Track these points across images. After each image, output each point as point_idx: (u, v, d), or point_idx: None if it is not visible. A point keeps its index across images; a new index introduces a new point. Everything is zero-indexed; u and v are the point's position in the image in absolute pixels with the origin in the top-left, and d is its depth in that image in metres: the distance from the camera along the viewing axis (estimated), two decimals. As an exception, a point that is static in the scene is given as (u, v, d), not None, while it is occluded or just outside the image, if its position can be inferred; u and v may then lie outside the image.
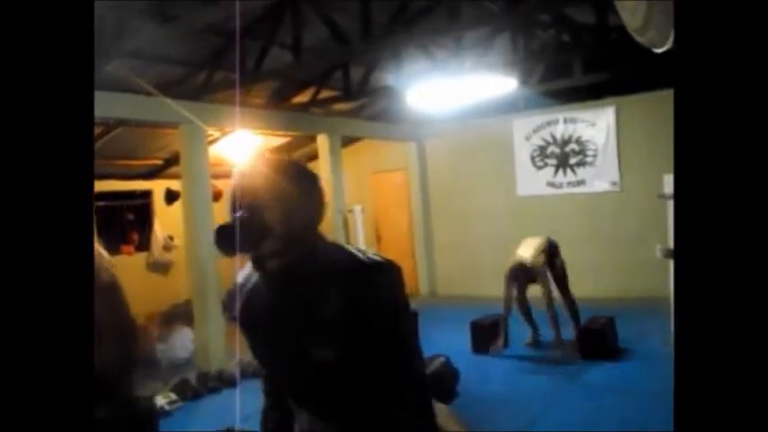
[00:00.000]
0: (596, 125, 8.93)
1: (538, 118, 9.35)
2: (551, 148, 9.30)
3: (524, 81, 7.77)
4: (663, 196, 5.13)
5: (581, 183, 9.10)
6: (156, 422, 4.50)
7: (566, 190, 9.21)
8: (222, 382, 5.80)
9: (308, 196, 1.50)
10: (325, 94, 7.75)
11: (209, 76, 6.28)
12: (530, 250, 6.20)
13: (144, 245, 9.46)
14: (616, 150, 8.80)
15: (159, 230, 9.44)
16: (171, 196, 9.50)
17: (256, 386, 1.84)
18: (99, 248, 2.03)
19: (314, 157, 8.79)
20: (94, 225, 7.26)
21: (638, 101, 8.47)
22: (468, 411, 4.62)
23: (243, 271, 1.65)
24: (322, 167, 8.38)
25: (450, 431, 3.54)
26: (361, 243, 7.96)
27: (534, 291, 6.25)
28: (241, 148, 8.63)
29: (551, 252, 6.32)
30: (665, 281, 5.37)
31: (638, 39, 3.05)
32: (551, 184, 9.33)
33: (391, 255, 1.71)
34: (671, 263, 4.49)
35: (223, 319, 6.68)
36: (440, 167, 10.27)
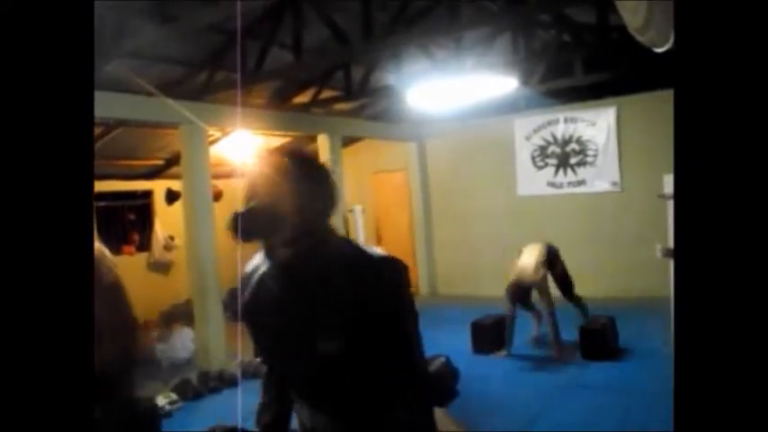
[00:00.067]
0: (597, 125, 8.93)
1: (538, 118, 9.35)
2: (552, 148, 9.29)
3: (525, 81, 7.77)
4: (663, 196, 5.12)
5: (581, 183, 9.09)
6: (158, 422, 4.51)
7: (566, 190, 9.20)
8: (223, 381, 5.80)
9: (320, 188, 1.53)
10: (325, 94, 7.75)
11: (209, 76, 6.28)
12: (529, 265, 6.04)
13: (145, 245, 9.46)
14: (617, 150, 8.80)
15: (160, 230, 9.45)
16: (172, 196, 9.50)
17: (257, 386, 1.84)
18: (102, 249, 2.04)
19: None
20: (95, 225, 7.27)
21: (639, 101, 8.47)
22: (468, 411, 4.62)
23: (251, 261, 1.67)
24: (322, 167, 8.36)
25: (448, 431, 3.54)
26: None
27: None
28: (242, 148, 8.63)
29: (551, 259, 6.27)
30: (666, 281, 5.36)
31: (639, 38, 3.05)
32: (552, 184, 9.33)
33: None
34: (671, 263, 4.48)
35: (223, 319, 6.69)
36: (440, 167, 10.27)
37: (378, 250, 1.53)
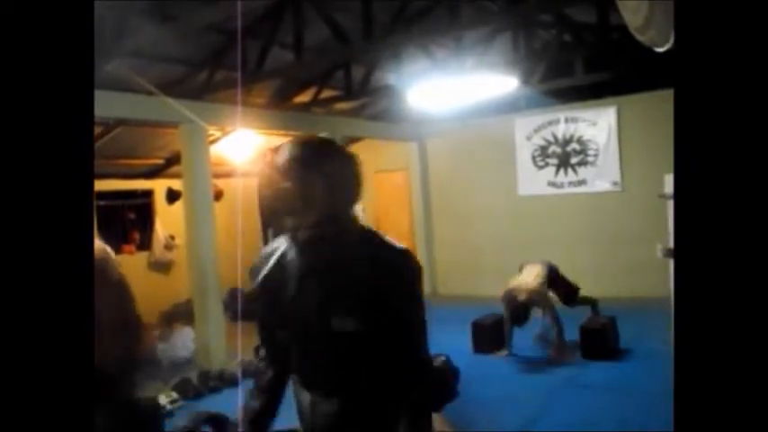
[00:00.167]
0: (597, 125, 8.93)
1: (539, 117, 9.35)
2: (552, 148, 9.29)
3: (525, 80, 7.77)
4: (664, 196, 5.11)
5: (582, 182, 9.09)
6: (161, 421, 4.51)
7: (567, 190, 9.20)
8: (223, 381, 5.80)
9: (347, 177, 1.60)
10: (326, 93, 7.75)
11: (210, 75, 6.28)
12: (529, 285, 5.98)
13: (145, 244, 9.46)
14: (617, 150, 8.80)
15: (160, 230, 9.44)
16: (172, 195, 9.50)
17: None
18: (106, 248, 2.04)
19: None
20: (95, 224, 7.28)
21: (640, 100, 8.47)
22: (468, 411, 4.62)
23: (270, 244, 1.75)
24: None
25: None
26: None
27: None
28: (242, 147, 8.63)
29: (552, 279, 6.22)
30: (666, 281, 5.35)
31: (640, 38, 3.05)
32: (552, 184, 9.33)
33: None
34: (672, 263, 4.48)
35: (224, 319, 6.70)
36: (441, 167, 10.27)
37: (398, 243, 1.60)
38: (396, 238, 1.63)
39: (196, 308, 6.67)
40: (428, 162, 10.41)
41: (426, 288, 10.15)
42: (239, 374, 5.74)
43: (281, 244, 1.69)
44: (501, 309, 6.18)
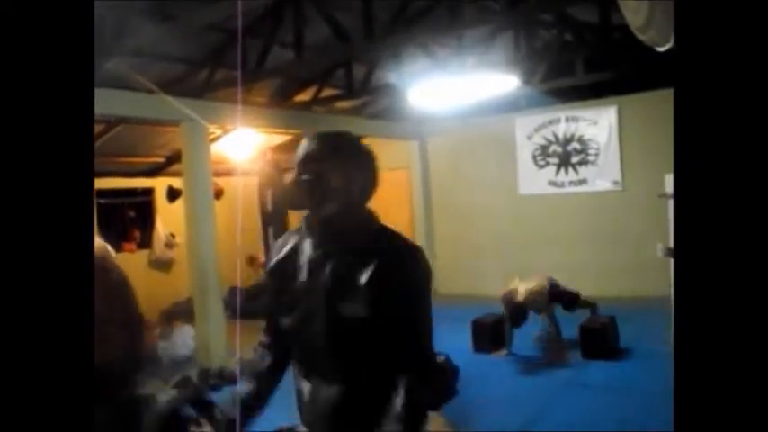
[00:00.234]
0: (598, 124, 8.92)
1: (540, 117, 9.35)
2: (553, 147, 9.29)
3: (526, 80, 7.77)
4: (664, 195, 5.11)
5: (583, 182, 9.09)
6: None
7: (567, 189, 9.20)
8: (223, 379, 5.81)
9: (364, 170, 1.66)
10: (327, 92, 7.75)
11: (210, 73, 6.28)
12: (529, 294, 5.97)
13: (146, 242, 9.47)
14: (618, 149, 8.79)
15: (161, 228, 9.45)
16: (173, 194, 9.51)
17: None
18: (106, 246, 2.04)
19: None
20: (95, 223, 7.28)
21: (641, 100, 8.46)
22: (467, 410, 4.63)
23: (286, 235, 1.81)
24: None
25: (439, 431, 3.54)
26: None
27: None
28: (243, 146, 8.63)
29: (554, 294, 6.19)
30: (666, 280, 5.36)
31: (641, 37, 3.05)
32: (553, 183, 9.32)
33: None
34: (671, 262, 4.48)
35: (224, 317, 6.70)
36: (441, 166, 10.27)
37: (411, 240, 1.67)
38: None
39: (196, 306, 6.67)
40: (429, 161, 10.41)
41: (427, 287, 10.18)
42: (239, 372, 5.75)
43: (291, 234, 1.75)
44: (501, 308, 6.19)
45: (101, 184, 8.18)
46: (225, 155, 8.56)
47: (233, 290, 7.78)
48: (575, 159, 9.12)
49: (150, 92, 5.75)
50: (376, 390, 1.54)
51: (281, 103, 7.69)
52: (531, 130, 9.44)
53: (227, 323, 6.70)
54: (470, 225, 9.93)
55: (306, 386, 1.67)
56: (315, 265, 1.64)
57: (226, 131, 8.20)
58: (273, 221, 8.05)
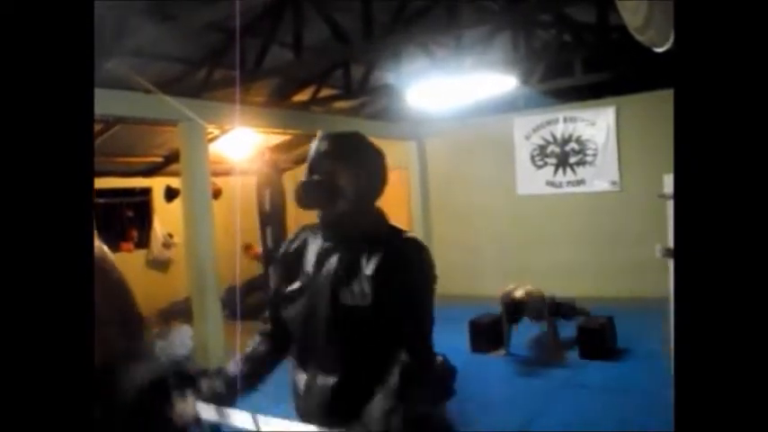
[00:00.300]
0: (596, 124, 8.93)
1: (538, 117, 9.35)
2: (551, 148, 9.29)
3: (524, 80, 7.77)
4: (663, 196, 5.12)
5: (581, 182, 9.10)
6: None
7: (565, 189, 9.21)
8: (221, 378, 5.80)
9: (375, 169, 1.72)
10: (325, 92, 7.75)
11: (208, 73, 6.28)
12: (526, 287, 6.05)
13: (143, 242, 9.46)
14: (616, 150, 8.80)
15: (159, 228, 9.44)
16: (171, 193, 9.50)
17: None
18: (102, 247, 2.04)
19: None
20: (94, 222, 7.28)
21: (639, 100, 8.47)
22: (465, 410, 4.62)
23: (297, 230, 1.86)
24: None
25: None
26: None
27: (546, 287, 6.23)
28: (241, 145, 8.62)
29: (552, 306, 6.20)
30: (665, 281, 5.36)
31: (639, 38, 3.05)
32: (551, 184, 9.33)
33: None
34: (671, 263, 4.48)
35: (222, 317, 6.69)
36: (440, 166, 10.27)
37: (419, 239, 1.72)
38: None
39: (194, 306, 6.66)
40: (427, 161, 10.41)
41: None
42: (238, 368, 5.73)
43: (309, 230, 1.80)
44: (498, 308, 6.19)
45: (98, 183, 8.16)
46: (223, 154, 8.55)
47: (231, 289, 7.77)
48: (573, 160, 9.13)
49: (148, 91, 5.74)
50: (373, 380, 1.54)
51: (280, 102, 7.69)
52: (529, 130, 9.44)
53: (225, 323, 6.69)
54: (468, 225, 9.93)
55: (302, 378, 1.69)
56: (322, 256, 1.69)
57: (224, 131, 8.19)
58: (272, 221, 8.03)
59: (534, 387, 5.28)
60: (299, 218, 1.77)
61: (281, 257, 1.82)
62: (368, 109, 9.18)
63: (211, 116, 6.63)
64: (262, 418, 1.57)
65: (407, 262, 1.62)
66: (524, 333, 6.45)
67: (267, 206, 8.02)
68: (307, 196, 1.65)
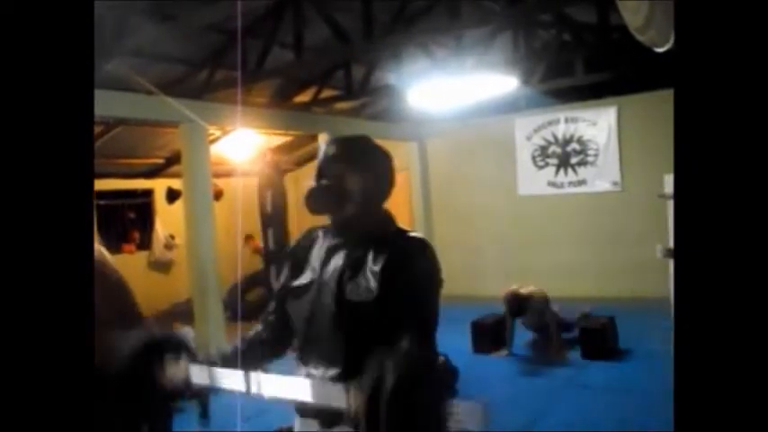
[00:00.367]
0: (597, 125, 8.92)
1: (539, 117, 9.35)
2: (552, 148, 9.29)
3: (525, 80, 7.77)
4: (664, 196, 5.11)
5: (582, 182, 9.09)
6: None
7: (567, 190, 9.20)
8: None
9: (383, 172, 1.74)
10: (326, 93, 7.75)
11: (210, 74, 6.28)
12: (531, 286, 6.09)
13: (145, 243, 9.46)
14: (617, 150, 8.79)
15: (160, 229, 9.44)
16: (172, 195, 9.50)
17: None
18: (102, 250, 2.04)
19: (315, 156, 8.79)
20: (95, 224, 7.27)
21: (640, 100, 8.46)
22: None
23: (308, 230, 1.88)
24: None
25: None
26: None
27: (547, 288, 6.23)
28: (242, 147, 8.63)
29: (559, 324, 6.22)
30: (666, 281, 5.35)
31: (640, 38, 3.05)
32: (552, 184, 9.32)
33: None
34: (671, 263, 4.48)
35: (224, 318, 6.70)
36: (441, 167, 10.27)
37: (426, 240, 1.74)
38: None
39: (196, 307, 6.67)
40: (428, 162, 10.41)
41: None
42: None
43: (320, 230, 1.82)
44: (501, 309, 6.19)
45: (100, 185, 8.17)
46: (224, 156, 8.56)
47: (233, 289, 7.76)
48: (574, 160, 9.12)
49: (150, 93, 5.74)
50: (373, 374, 1.54)
51: (281, 103, 7.69)
52: (530, 130, 9.44)
53: (226, 324, 6.69)
54: (470, 226, 9.93)
55: (302, 373, 1.69)
56: (330, 253, 1.71)
57: (225, 132, 8.20)
58: (273, 223, 8.03)
59: (536, 387, 5.27)
60: (300, 219, 1.78)
61: (290, 252, 1.85)
62: (369, 110, 9.18)
63: (213, 117, 6.63)
64: (253, 376, 1.56)
65: (412, 261, 1.64)
66: (526, 334, 6.44)
67: (269, 207, 8.02)
68: (316, 202, 1.66)
